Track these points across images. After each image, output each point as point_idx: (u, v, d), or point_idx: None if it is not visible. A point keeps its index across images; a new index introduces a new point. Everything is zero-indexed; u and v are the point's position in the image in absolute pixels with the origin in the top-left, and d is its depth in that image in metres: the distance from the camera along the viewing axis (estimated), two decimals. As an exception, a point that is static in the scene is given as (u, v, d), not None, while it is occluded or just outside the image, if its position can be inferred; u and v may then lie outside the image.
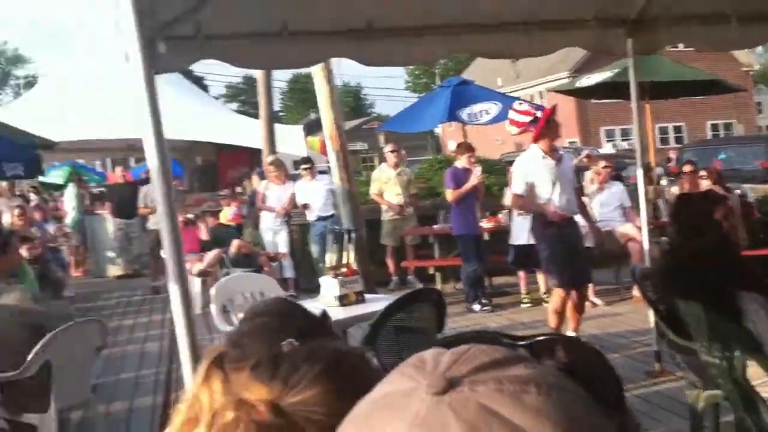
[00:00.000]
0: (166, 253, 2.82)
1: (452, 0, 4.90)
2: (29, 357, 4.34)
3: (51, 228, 12.69)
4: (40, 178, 16.01)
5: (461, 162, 9.07)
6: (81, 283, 13.61)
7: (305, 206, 10.52)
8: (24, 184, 17.14)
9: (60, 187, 22.12)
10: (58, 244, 12.94)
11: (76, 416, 5.50)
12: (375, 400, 0.67)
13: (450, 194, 8.95)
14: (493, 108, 10.75)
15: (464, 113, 10.74)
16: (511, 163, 8.22)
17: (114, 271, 14.36)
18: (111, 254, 14.43)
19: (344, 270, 5.48)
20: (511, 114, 6.78)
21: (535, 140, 6.57)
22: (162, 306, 10.86)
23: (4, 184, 14.25)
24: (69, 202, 15.18)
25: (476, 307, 8.90)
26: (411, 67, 53.11)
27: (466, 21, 5.04)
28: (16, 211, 10.00)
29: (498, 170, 12.52)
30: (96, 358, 5.48)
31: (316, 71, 9.36)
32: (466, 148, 9.21)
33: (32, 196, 15.59)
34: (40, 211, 12.58)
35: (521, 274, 9.02)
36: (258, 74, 14.64)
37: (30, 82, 55.07)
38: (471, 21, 5.06)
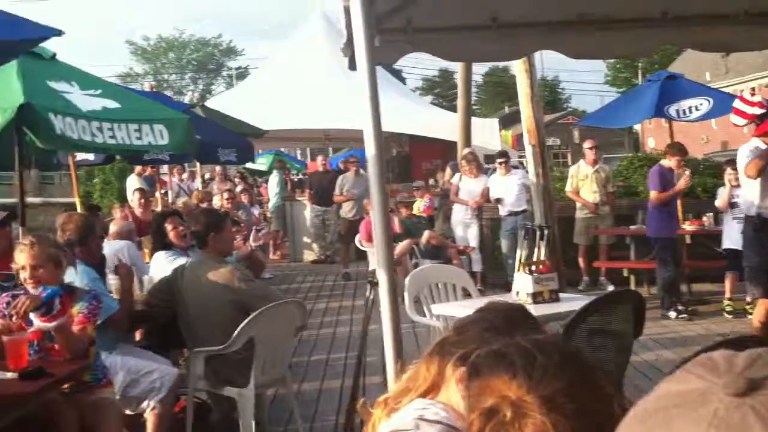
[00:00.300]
0: (375, 240, 2.85)
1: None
2: (235, 333, 4.58)
3: (255, 212, 13.42)
4: (247, 164, 16.92)
5: (669, 162, 8.65)
6: (278, 266, 14.33)
7: (498, 200, 10.43)
8: (231, 169, 18.19)
9: (262, 174, 23.34)
10: (260, 228, 13.68)
11: (270, 392, 5.75)
12: (664, 398, 0.66)
13: (654, 195, 8.55)
14: (704, 104, 10.10)
15: (672, 109, 10.16)
16: (732, 161, 7.73)
17: (309, 256, 14.96)
18: (307, 240, 15.04)
19: (540, 266, 5.34)
20: (739, 104, 6.34)
21: (760, 134, 6.14)
22: (352, 292, 11.18)
23: (218, 168, 15.20)
24: (272, 188, 15.94)
25: (672, 314, 8.45)
26: (612, 60, 51.35)
27: (681, 12, 4.75)
28: (225, 195, 10.64)
29: (703, 171, 11.81)
30: (295, 338, 5.69)
31: (518, 64, 9.22)
32: (678, 149, 8.78)
33: (237, 181, 16.50)
34: (246, 196, 13.30)
35: (728, 279, 8.42)
36: (458, 67, 14.65)
37: (241, 73, 58.52)
38: (687, 12, 4.76)
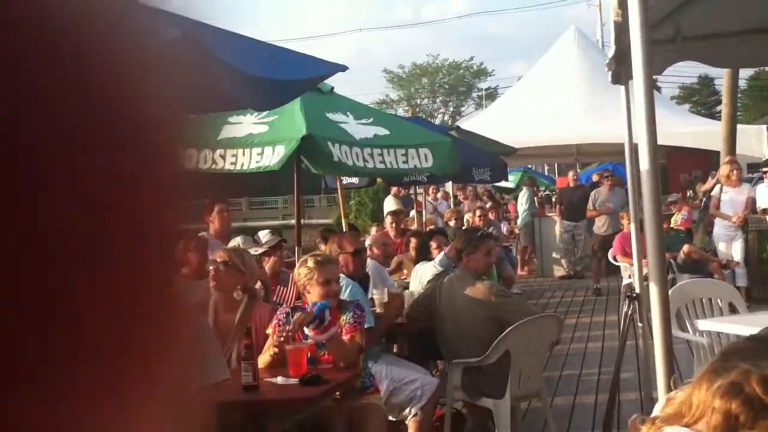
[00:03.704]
0: (649, 253, 2.83)
1: None
2: (492, 346, 4.71)
3: (503, 228, 13.54)
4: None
5: None
6: (526, 281, 14.35)
7: (765, 211, 9.75)
8: (479, 187, 18.47)
9: (510, 191, 23.39)
10: (509, 244, 13.79)
11: (524, 405, 5.80)
12: None
13: None
14: None
15: None
16: None
17: (558, 271, 14.83)
18: (556, 255, 14.93)
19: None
20: None
21: None
22: (602, 308, 10.95)
23: (469, 187, 15.53)
24: (521, 204, 16.01)
25: None
26: None
27: None
28: (478, 212, 10.84)
29: None
30: (550, 352, 5.71)
31: (794, 66, 8.63)
32: None
33: (485, 198, 16.71)
34: (494, 212, 13.47)
35: None
36: (720, 73, 13.89)
37: (490, 94, 59.13)
38: None
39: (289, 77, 4.24)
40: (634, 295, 5.32)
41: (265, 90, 4.07)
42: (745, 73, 58.07)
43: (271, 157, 5.48)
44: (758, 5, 4.20)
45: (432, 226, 10.50)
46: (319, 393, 3.60)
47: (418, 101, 66.35)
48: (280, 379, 3.70)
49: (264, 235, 6.07)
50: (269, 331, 4.08)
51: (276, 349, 3.92)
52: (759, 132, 14.82)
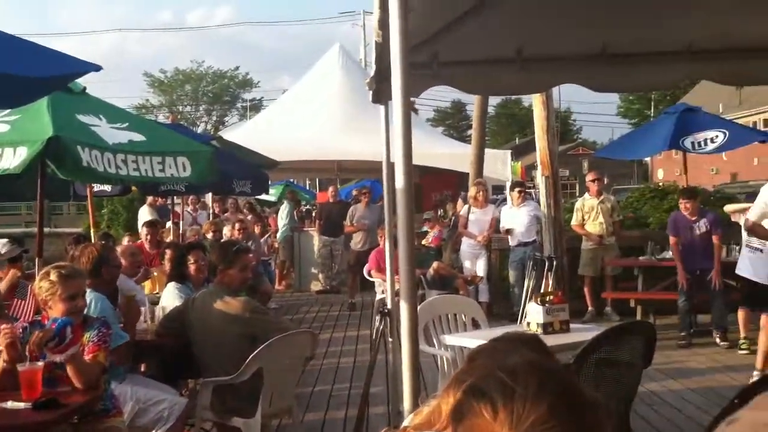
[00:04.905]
0: (401, 271, 2.85)
1: (694, 24, 4.46)
2: (244, 364, 4.60)
3: (263, 242, 13.43)
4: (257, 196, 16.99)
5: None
6: (283, 295, 14.36)
7: (507, 231, 10.48)
8: (240, 199, 18.28)
9: (271, 204, 23.41)
10: (269, 258, 13.72)
11: (275, 422, 5.74)
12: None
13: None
14: (719, 136, 10.15)
15: (688, 141, 10.22)
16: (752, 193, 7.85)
17: (315, 286, 14.99)
18: (314, 270, 15.10)
19: (552, 297, 5.35)
20: None
21: None
22: (356, 323, 11.19)
23: (230, 200, 15.31)
24: (282, 218, 16.01)
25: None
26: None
27: (707, 46, 4.71)
28: (237, 225, 10.64)
29: (714, 202, 11.85)
30: (303, 368, 5.70)
31: (536, 96, 9.33)
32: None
33: (245, 211, 16.56)
34: (258, 225, 13.34)
35: (741, 313, 8.26)
36: (472, 99, 14.79)
37: (255, 105, 58.87)
38: (713, 46, 4.72)
39: (36, 74, 3.95)
40: (386, 310, 5.45)
41: (9, 86, 3.77)
42: (494, 101, 63.01)
43: (12, 159, 5.05)
44: (506, 38, 4.49)
45: (195, 237, 10.20)
46: (53, 418, 3.32)
47: (180, 108, 64.55)
48: (9, 404, 3.39)
49: (2, 245, 5.59)
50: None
51: (6, 369, 3.56)
52: (504, 156, 15.93)
